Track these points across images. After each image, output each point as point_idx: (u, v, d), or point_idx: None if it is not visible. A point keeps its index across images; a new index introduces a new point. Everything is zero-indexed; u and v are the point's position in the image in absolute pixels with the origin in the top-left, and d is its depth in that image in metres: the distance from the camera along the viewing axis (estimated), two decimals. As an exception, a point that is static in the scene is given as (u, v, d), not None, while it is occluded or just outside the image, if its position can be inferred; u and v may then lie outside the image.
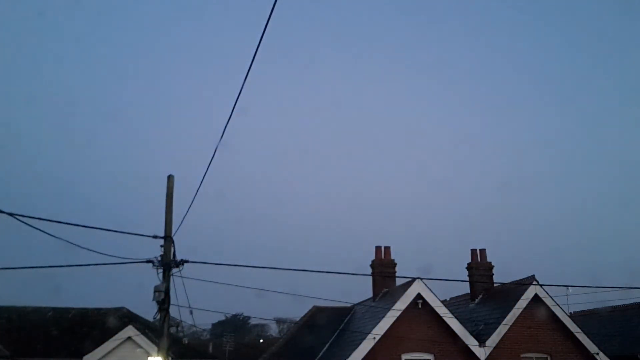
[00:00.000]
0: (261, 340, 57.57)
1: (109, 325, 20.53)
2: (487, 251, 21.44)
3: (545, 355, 18.42)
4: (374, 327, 17.31)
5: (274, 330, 61.79)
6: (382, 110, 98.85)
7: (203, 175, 11.68)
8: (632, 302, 22.53)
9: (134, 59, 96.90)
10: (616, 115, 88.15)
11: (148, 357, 17.88)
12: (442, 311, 17.91)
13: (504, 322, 17.80)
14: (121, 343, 18.28)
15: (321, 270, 12.78)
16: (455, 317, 18.04)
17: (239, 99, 8.17)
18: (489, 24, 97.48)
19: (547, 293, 18.46)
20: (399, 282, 20.66)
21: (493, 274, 21.24)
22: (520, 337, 18.08)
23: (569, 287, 20.86)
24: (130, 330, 18.50)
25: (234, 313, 58.51)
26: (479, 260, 21.25)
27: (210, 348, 45.46)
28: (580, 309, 25.65)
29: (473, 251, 21.41)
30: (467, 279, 21.38)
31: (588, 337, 18.40)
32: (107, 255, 11.00)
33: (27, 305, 22.37)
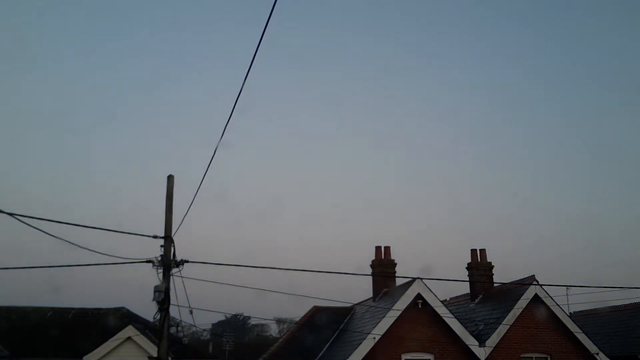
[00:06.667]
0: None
1: (109, 325, 20.51)
2: (487, 251, 21.49)
3: (545, 355, 18.43)
4: (374, 327, 17.32)
5: (274, 330, 61.89)
6: (382, 109, 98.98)
7: (203, 175, 11.67)
8: (632, 302, 22.57)
9: (134, 58, 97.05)
10: (616, 117, 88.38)
11: (148, 357, 17.90)
12: (442, 311, 17.92)
13: (504, 322, 17.81)
14: (121, 343, 18.26)
15: (321, 270, 12.77)
16: (455, 317, 18.06)
17: (239, 99, 8.15)
18: (488, 25, 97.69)
19: (547, 293, 18.46)
20: (399, 282, 20.69)
21: (493, 274, 21.27)
22: (520, 337, 18.09)
23: (569, 287, 21.00)
24: (130, 330, 18.48)
25: (234, 313, 58.65)
26: (479, 260, 21.27)
27: (210, 348, 45.46)
28: (580, 309, 25.72)
29: (473, 251, 21.43)
30: (467, 279, 21.40)
31: (588, 337, 18.41)
32: (107, 255, 10.98)
33: (27, 305, 22.35)
